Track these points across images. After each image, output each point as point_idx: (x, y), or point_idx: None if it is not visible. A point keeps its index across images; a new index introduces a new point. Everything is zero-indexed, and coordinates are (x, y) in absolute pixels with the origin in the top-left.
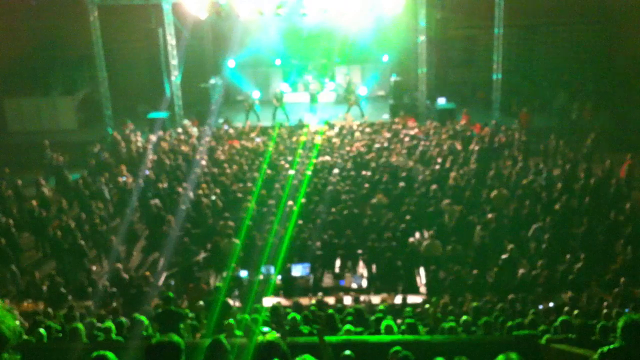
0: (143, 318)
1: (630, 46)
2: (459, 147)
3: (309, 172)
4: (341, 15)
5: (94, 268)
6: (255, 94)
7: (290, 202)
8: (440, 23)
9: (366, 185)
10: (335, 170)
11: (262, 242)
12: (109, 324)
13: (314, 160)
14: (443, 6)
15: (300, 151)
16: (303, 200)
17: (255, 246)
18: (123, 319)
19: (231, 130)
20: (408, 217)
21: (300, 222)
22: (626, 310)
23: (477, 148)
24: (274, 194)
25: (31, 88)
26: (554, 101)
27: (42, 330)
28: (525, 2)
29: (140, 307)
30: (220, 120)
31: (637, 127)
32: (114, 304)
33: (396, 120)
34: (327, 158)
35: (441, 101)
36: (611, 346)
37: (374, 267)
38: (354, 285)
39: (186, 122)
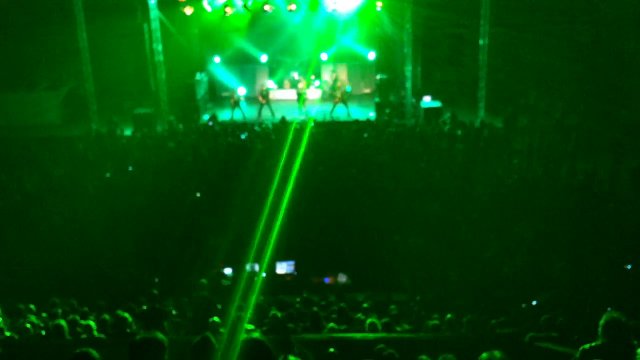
0: (127, 315)
1: (616, 45)
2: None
3: (294, 169)
4: (329, 11)
5: (78, 264)
6: (241, 91)
7: (275, 199)
8: (426, 21)
9: (351, 182)
10: (319, 168)
11: (247, 239)
12: (92, 321)
13: (300, 158)
14: (429, 4)
15: (285, 148)
16: (288, 197)
17: (241, 243)
18: (107, 316)
19: (215, 127)
20: (392, 215)
21: (286, 219)
22: (608, 308)
23: (462, 147)
24: (260, 191)
25: (15, 83)
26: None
27: (27, 325)
28: (511, 1)
29: (124, 304)
30: (206, 117)
31: (622, 126)
32: (98, 301)
33: None
34: (313, 155)
35: (427, 99)
36: (592, 344)
37: (358, 264)
38: (339, 283)
39: (172, 118)
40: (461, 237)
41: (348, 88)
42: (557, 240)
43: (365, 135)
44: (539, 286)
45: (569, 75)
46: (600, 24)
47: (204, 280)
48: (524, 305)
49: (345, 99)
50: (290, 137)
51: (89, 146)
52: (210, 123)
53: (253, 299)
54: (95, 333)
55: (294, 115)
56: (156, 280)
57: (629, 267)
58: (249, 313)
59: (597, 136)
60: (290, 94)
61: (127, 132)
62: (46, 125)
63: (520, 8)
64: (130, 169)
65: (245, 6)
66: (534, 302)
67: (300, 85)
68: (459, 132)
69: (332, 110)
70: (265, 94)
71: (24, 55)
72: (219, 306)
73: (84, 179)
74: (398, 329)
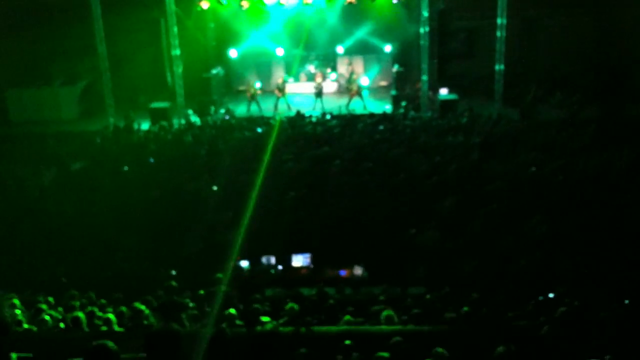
0: (144, 307)
1: (630, 39)
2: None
3: (309, 163)
4: (344, 5)
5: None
6: (257, 84)
7: (292, 193)
8: (442, 14)
9: (367, 175)
10: (337, 162)
11: (262, 232)
12: (111, 314)
13: (315, 151)
14: None
15: (301, 142)
16: (303, 191)
17: (256, 236)
18: (124, 308)
19: (232, 121)
20: (407, 208)
21: (302, 213)
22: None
23: (478, 140)
24: (275, 185)
25: (33, 78)
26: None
27: (46, 317)
28: None
29: (141, 297)
30: (222, 111)
31: (632, 121)
32: (115, 294)
33: None
34: (329, 148)
35: (443, 92)
36: None
37: (374, 258)
38: (355, 276)
39: (190, 112)
40: (476, 230)
41: (358, 81)
42: (573, 234)
43: (381, 127)
44: (554, 280)
45: (584, 67)
46: (617, 16)
47: (219, 275)
48: (541, 298)
49: (360, 92)
50: (305, 130)
51: (105, 140)
52: (227, 117)
53: (268, 292)
54: (116, 327)
55: (310, 108)
56: (173, 272)
57: None
58: (264, 305)
59: (612, 129)
60: (307, 87)
61: (144, 126)
62: (63, 120)
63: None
64: (151, 160)
65: (260, 0)
66: (551, 295)
67: (317, 79)
68: (475, 125)
69: (348, 104)
70: (281, 88)
71: (41, 50)
72: (235, 298)
73: (100, 173)
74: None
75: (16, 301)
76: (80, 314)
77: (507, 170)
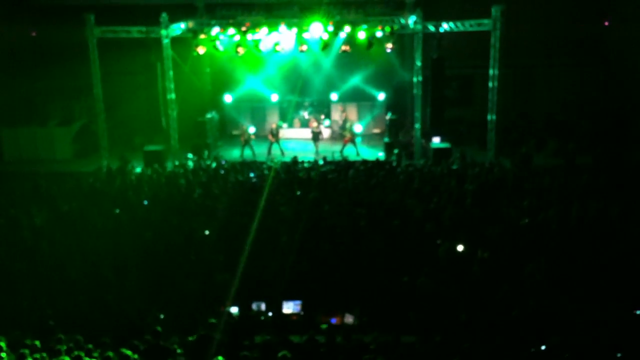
0: (130, 353)
1: (625, 87)
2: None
3: (303, 208)
4: (339, 52)
5: (85, 300)
6: (251, 129)
7: (284, 237)
8: (436, 62)
9: (361, 221)
10: (328, 206)
11: (253, 277)
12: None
13: (309, 196)
14: (439, 46)
15: (295, 187)
16: (296, 236)
17: (247, 282)
18: (111, 354)
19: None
20: (402, 254)
21: (293, 257)
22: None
23: (472, 187)
24: (268, 229)
25: (28, 118)
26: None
27: None
28: (521, 42)
29: (128, 342)
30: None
31: (632, 168)
32: (103, 338)
33: None
34: (322, 193)
35: (436, 140)
36: None
37: (366, 305)
38: (346, 323)
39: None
40: (471, 277)
41: (352, 128)
42: (568, 282)
43: (376, 172)
44: (549, 330)
45: (579, 115)
46: (610, 65)
47: (213, 320)
48: (532, 350)
49: (354, 139)
50: (299, 175)
51: (98, 182)
52: (223, 162)
53: (258, 338)
54: None
55: (305, 153)
56: (161, 316)
57: (638, 312)
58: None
59: (607, 176)
60: (301, 133)
61: (138, 168)
62: (57, 161)
63: (530, 49)
64: (145, 202)
65: (256, 46)
66: (543, 347)
67: (312, 124)
68: (469, 172)
69: (342, 150)
70: (275, 133)
71: (37, 90)
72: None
73: (93, 214)
74: None
75: (2, 344)
76: (66, 359)
77: (501, 217)
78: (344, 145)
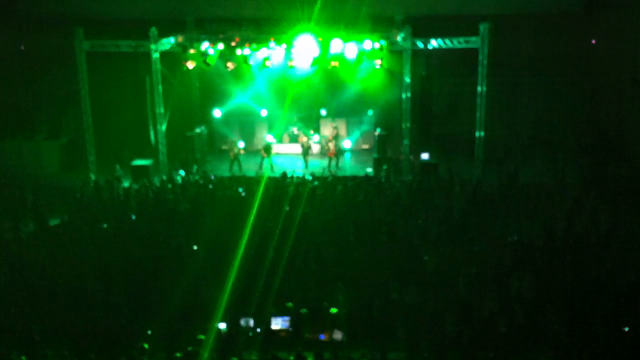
0: None
1: (610, 102)
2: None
3: (291, 224)
4: (329, 68)
5: (72, 316)
6: (240, 144)
7: (272, 254)
8: (424, 79)
9: (349, 238)
10: (316, 222)
11: (242, 293)
12: None
13: (297, 212)
14: (428, 63)
15: (284, 203)
16: (285, 252)
17: (235, 297)
18: None
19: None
20: (389, 269)
21: (281, 274)
22: None
23: (459, 202)
24: (257, 244)
25: (15, 131)
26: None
27: None
28: (508, 60)
29: (116, 357)
30: (196, 177)
31: (619, 182)
32: (89, 355)
33: None
34: (311, 209)
35: (424, 156)
36: None
37: (354, 320)
38: (334, 339)
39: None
40: (458, 294)
41: (340, 143)
42: (555, 298)
43: (364, 188)
44: (535, 345)
45: (565, 131)
46: (597, 79)
47: (201, 337)
48: None
49: (339, 153)
50: (288, 191)
51: (86, 196)
52: (212, 177)
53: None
54: None
55: (295, 169)
56: (149, 332)
57: (626, 329)
58: None
59: (595, 191)
60: (290, 148)
61: (126, 183)
62: (44, 175)
63: (518, 65)
64: (132, 217)
65: (245, 62)
66: None
67: (302, 139)
68: (456, 188)
69: (329, 165)
70: (267, 149)
71: (25, 103)
72: None
73: (79, 229)
74: None
75: None
76: None
77: (488, 232)
78: (330, 159)
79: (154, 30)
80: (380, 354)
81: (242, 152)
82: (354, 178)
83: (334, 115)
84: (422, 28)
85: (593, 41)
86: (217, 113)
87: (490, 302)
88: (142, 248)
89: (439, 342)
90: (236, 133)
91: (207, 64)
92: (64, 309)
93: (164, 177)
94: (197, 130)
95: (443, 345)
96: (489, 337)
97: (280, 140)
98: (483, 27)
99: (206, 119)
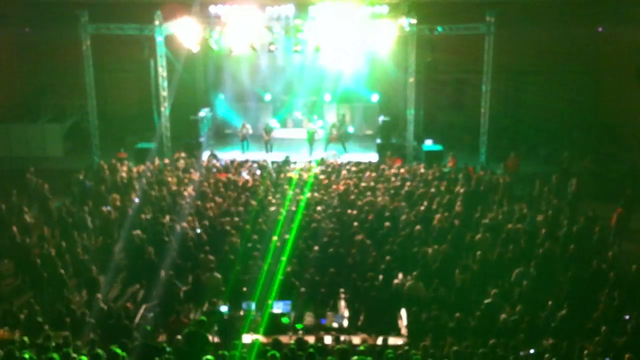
0: (119, 351)
1: (615, 93)
2: (444, 189)
3: (294, 209)
4: (333, 53)
5: (73, 297)
6: (249, 127)
7: (274, 238)
8: (430, 66)
9: (355, 224)
10: (319, 208)
11: (244, 277)
12: (85, 356)
13: (300, 197)
14: (433, 49)
15: (287, 187)
16: (287, 236)
17: (237, 281)
18: (100, 351)
19: (217, 164)
20: (391, 257)
21: (284, 258)
22: (607, 359)
23: (462, 191)
24: (259, 229)
25: (20, 114)
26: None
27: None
28: (514, 48)
29: (117, 340)
30: (207, 153)
31: (623, 174)
32: (92, 335)
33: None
34: (314, 195)
35: (428, 143)
36: None
37: (355, 306)
38: (335, 325)
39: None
40: (460, 282)
41: (348, 129)
42: (556, 288)
43: (368, 175)
44: (537, 334)
45: (570, 122)
46: (601, 69)
47: (203, 318)
48: (521, 354)
49: (342, 138)
50: (291, 176)
51: (89, 179)
52: (215, 160)
53: (247, 338)
54: None
55: (299, 154)
56: (150, 314)
57: (627, 317)
58: (242, 351)
59: (598, 182)
60: (294, 133)
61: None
62: (48, 158)
63: (524, 54)
64: (136, 200)
65: (251, 46)
66: (532, 351)
67: (308, 125)
68: (460, 176)
69: (326, 146)
70: (268, 131)
71: (30, 86)
72: (213, 344)
73: (83, 212)
74: None
75: None
76: (55, 355)
77: (491, 221)
78: (328, 142)
79: (158, 14)
80: (381, 339)
81: (250, 132)
82: (357, 164)
83: (338, 100)
84: (428, 15)
85: (600, 28)
86: (221, 97)
87: (490, 292)
88: (145, 231)
89: (438, 329)
90: (240, 117)
91: (212, 48)
92: (67, 290)
93: (168, 161)
94: (201, 113)
95: (444, 335)
96: (490, 326)
97: (284, 125)
98: (489, 14)
99: (210, 103)
